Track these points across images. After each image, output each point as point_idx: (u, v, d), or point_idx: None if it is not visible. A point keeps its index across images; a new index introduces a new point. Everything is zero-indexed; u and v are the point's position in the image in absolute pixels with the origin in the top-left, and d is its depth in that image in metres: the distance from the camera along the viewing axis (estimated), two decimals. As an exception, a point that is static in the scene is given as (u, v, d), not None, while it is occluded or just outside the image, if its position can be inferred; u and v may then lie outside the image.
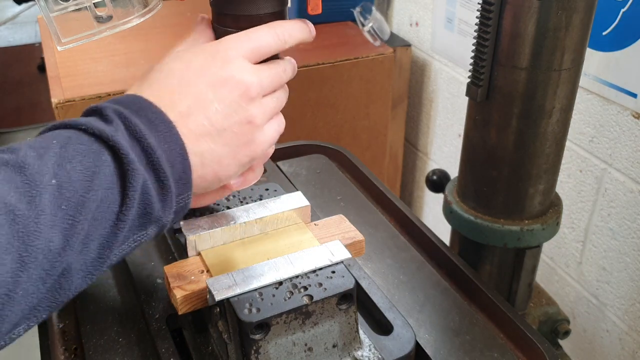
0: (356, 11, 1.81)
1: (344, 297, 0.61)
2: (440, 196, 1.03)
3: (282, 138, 0.63)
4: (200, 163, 0.52)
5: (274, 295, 0.58)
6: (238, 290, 0.58)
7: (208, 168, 0.53)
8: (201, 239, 0.66)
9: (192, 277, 0.62)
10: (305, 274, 0.61)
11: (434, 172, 1.13)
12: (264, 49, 0.56)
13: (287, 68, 0.59)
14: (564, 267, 1.44)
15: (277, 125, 0.59)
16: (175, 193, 0.50)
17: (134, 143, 0.47)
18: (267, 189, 0.75)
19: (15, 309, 0.41)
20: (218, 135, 0.53)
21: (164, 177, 0.48)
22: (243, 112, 0.54)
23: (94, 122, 0.47)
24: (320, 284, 0.60)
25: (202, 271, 0.63)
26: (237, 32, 0.58)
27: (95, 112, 0.49)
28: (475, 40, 0.83)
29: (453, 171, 1.05)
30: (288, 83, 0.62)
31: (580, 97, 1.25)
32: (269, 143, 0.58)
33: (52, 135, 0.46)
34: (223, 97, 0.53)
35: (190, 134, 0.51)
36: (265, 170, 0.60)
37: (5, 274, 0.40)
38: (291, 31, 0.58)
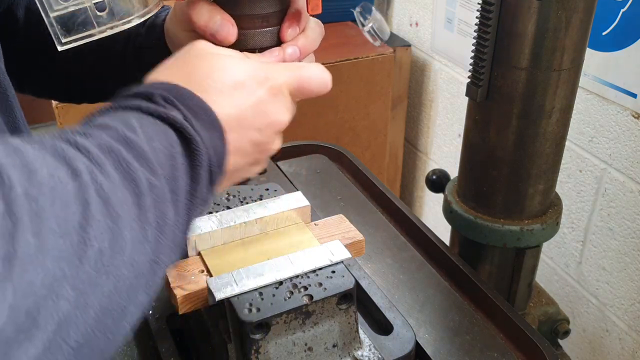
0: (356, 11, 1.81)
1: (344, 297, 0.61)
2: (440, 196, 1.03)
3: (282, 138, 0.62)
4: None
5: (274, 295, 0.58)
6: (238, 290, 0.58)
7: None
8: (201, 239, 0.66)
9: (192, 277, 0.62)
10: (305, 273, 0.61)
11: (434, 172, 1.13)
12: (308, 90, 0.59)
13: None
14: (564, 267, 1.44)
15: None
16: (217, 177, 0.51)
17: (187, 126, 0.48)
18: (267, 189, 0.75)
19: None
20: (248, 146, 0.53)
21: (212, 164, 0.49)
22: (271, 140, 0.55)
23: (153, 106, 0.47)
24: (320, 284, 0.60)
25: (202, 271, 0.63)
26: (239, 32, 0.58)
27: (142, 95, 0.49)
28: (475, 40, 0.83)
29: (453, 171, 1.05)
30: None
31: (580, 97, 1.25)
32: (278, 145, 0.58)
33: (122, 115, 0.46)
34: (261, 125, 0.53)
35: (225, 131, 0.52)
36: (265, 171, 0.59)
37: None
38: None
